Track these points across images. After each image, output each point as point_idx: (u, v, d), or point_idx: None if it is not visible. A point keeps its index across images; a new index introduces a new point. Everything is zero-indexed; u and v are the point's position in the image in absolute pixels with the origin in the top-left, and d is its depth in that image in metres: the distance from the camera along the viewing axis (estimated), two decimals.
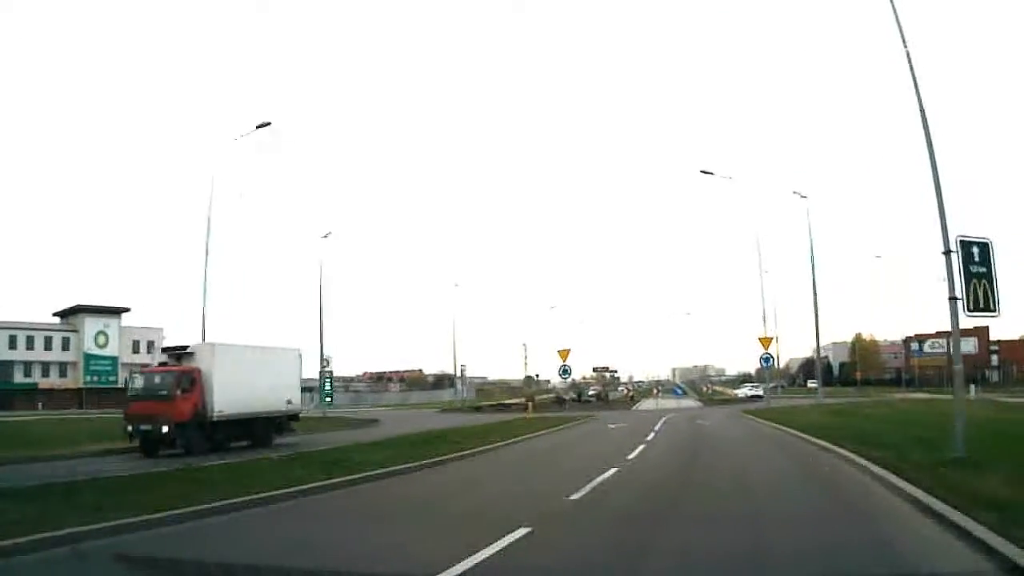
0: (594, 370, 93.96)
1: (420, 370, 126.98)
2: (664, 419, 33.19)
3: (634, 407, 56.24)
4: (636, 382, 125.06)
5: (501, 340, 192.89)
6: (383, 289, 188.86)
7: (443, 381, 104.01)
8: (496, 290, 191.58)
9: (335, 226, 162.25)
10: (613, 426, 28.85)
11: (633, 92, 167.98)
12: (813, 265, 36.90)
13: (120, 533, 7.82)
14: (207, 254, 29.18)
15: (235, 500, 9.75)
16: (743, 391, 75.36)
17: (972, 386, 60.18)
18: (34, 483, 10.98)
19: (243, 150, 45.79)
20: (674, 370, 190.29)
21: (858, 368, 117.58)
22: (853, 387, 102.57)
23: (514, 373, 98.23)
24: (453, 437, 20.81)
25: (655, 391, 71.16)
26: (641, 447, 18.28)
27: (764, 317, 41.45)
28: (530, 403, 56.40)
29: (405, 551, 7.14)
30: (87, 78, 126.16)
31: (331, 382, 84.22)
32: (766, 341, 38.97)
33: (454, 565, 6.10)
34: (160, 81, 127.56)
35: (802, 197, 37.83)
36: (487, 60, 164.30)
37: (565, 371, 33.23)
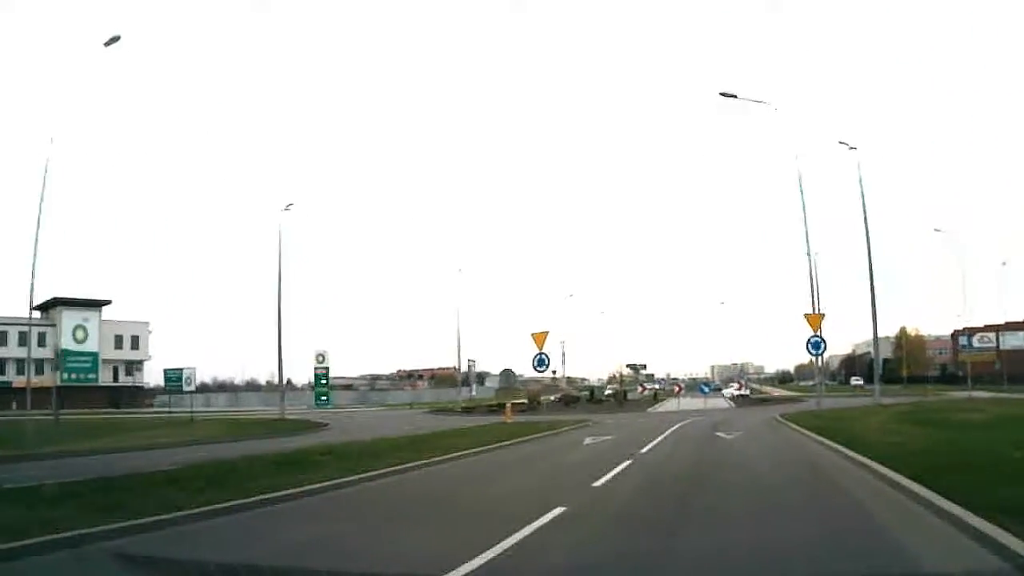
0: (628, 367, 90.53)
1: (453, 368, 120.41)
2: (675, 427, 25.77)
3: (652, 408, 49.15)
4: (672, 379, 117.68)
5: (523, 334, 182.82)
6: (409, 284, 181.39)
7: (470, 379, 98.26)
8: (511, 279, 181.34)
9: (347, 215, 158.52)
10: (591, 441, 20.95)
11: (653, 64, 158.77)
12: (867, 232, 29.55)
13: None
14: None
15: None
16: (728, 391, 68.99)
17: None
18: None
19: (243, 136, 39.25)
20: (712, 367, 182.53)
21: (905, 364, 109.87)
22: (899, 384, 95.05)
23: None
24: (373, 451, 15.73)
25: (676, 389, 62.46)
26: (596, 485, 10.92)
27: (813, 288, 33.25)
28: (535, 402, 50.23)
29: None
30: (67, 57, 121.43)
31: (327, 380, 78.14)
32: (815, 320, 30.63)
33: None
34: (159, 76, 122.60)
35: (851, 148, 30.24)
36: (501, 35, 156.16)
37: (541, 361, 25.36)
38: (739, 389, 53.10)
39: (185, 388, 49.11)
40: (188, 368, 48.71)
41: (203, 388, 78.78)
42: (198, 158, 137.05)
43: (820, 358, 37.35)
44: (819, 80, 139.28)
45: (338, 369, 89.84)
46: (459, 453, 16.21)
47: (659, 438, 20.83)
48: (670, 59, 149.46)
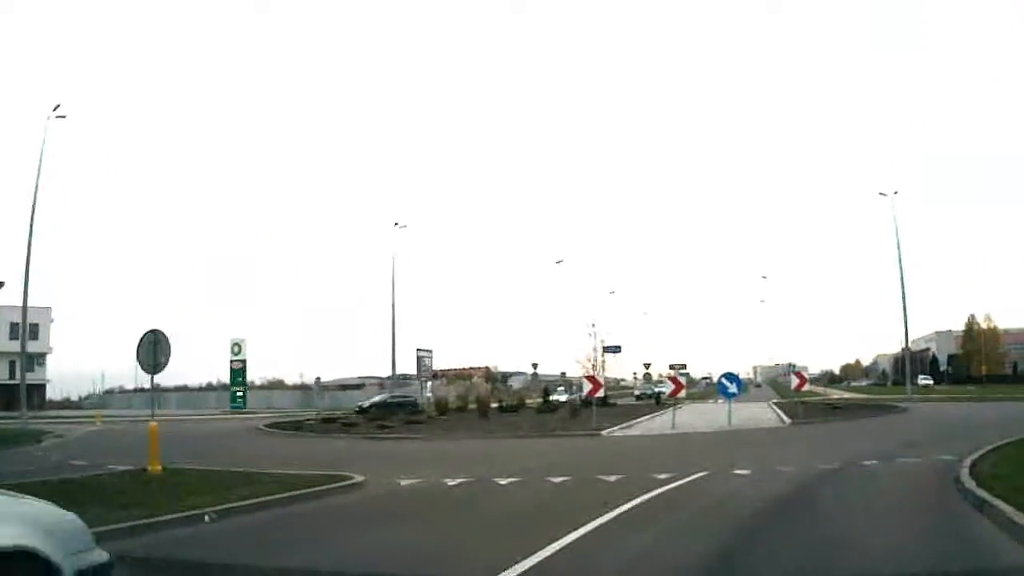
0: (670, 367, 78.53)
1: (494, 366, 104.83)
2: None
3: (615, 428, 26.47)
4: (704, 379, 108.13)
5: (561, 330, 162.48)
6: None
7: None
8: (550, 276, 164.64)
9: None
10: None
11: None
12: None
13: None
14: None
15: None
16: (657, 390, 49.95)
17: None
18: None
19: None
20: (755, 368, 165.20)
21: (981, 362, 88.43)
22: (973, 384, 75.14)
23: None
24: None
25: (674, 388, 31.18)
26: None
27: None
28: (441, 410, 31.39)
29: None
30: None
31: (243, 376, 60.38)
32: None
33: None
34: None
35: None
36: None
37: None
38: (799, 385, 28.24)
39: None
40: None
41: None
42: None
43: None
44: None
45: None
46: None
47: None
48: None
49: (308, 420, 33.59)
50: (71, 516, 4.08)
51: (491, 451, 19.42)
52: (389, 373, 53.93)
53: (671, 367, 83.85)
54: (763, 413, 32.58)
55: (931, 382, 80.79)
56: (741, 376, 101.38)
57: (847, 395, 59.44)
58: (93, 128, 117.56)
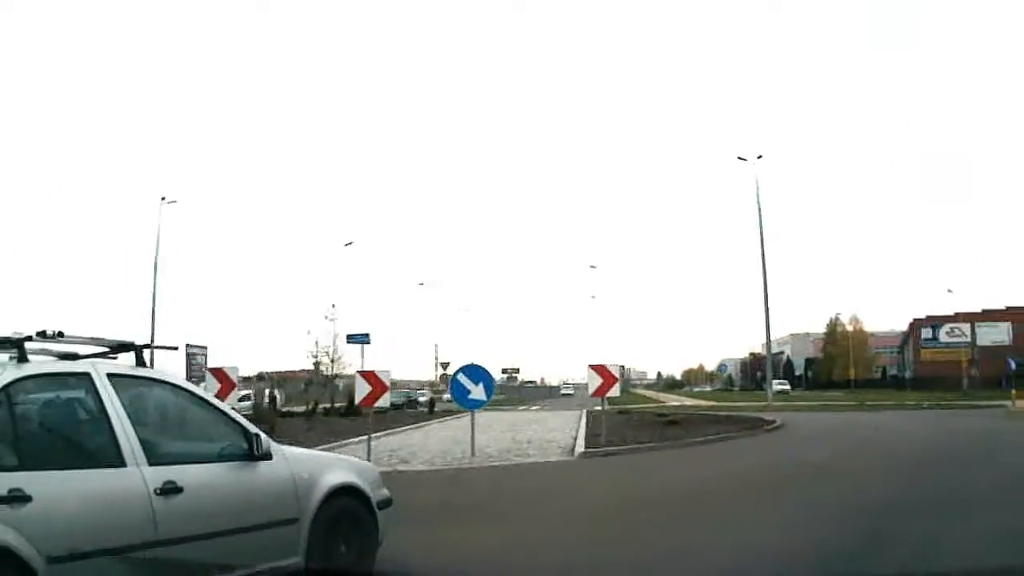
0: (503, 371, 78.84)
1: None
2: None
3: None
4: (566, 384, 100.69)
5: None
6: None
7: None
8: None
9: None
10: None
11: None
12: None
13: None
14: None
15: None
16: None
17: None
18: None
19: None
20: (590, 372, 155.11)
21: (848, 366, 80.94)
22: (838, 390, 72.39)
23: None
24: None
25: (370, 391, 12.06)
26: None
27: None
28: None
29: None
30: None
31: None
32: None
33: None
34: None
35: None
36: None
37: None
38: (601, 389, 15.70)
39: None
40: None
41: None
42: None
43: None
44: None
45: None
46: None
47: None
48: None
49: None
50: (371, 465, 6.33)
51: None
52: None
53: (503, 371, 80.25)
54: (561, 431, 20.28)
55: (788, 387, 74.04)
56: (577, 381, 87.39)
57: (690, 402, 48.10)
58: None
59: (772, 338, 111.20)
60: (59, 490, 3.58)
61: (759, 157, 36.84)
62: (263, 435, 4.64)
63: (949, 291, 79.51)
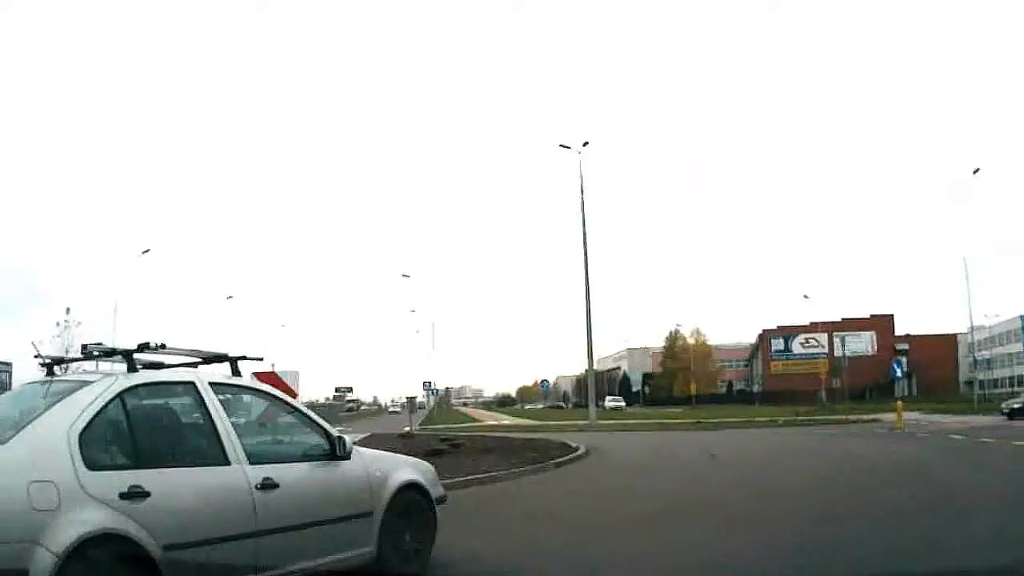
0: (336, 391, 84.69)
1: None
2: None
3: None
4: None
5: None
6: None
7: None
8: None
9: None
10: None
11: None
12: None
13: None
14: None
15: None
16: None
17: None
18: None
19: None
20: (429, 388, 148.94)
21: (689, 380, 76.11)
22: (679, 406, 68.24)
23: None
24: None
25: None
26: None
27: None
28: None
29: None
30: None
31: None
32: None
33: None
34: None
35: None
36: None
37: None
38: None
39: None
40: None
41: None
42: None
43: None
44: None
45: None
46: None
47: None
48: None
49: None
50: (429, 465, 6.27)
51: None
52: None
53: (337, 390, 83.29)
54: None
55: (623, 404, 71.23)
56: (404, 401, 79.28)
57: (509, 421, 43.69)
58: None
59: (608, 352, 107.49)
60: (174, 486, 4.12)
61: (585, 144, 33.37)
62: (345, 437, 5.29)
63: (806, 296, 78.12)
